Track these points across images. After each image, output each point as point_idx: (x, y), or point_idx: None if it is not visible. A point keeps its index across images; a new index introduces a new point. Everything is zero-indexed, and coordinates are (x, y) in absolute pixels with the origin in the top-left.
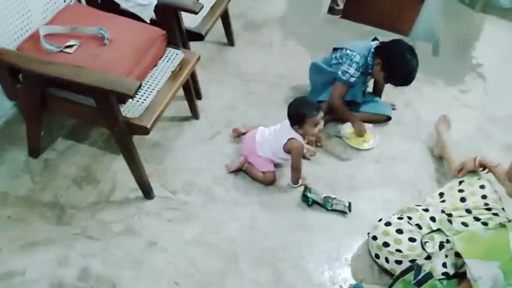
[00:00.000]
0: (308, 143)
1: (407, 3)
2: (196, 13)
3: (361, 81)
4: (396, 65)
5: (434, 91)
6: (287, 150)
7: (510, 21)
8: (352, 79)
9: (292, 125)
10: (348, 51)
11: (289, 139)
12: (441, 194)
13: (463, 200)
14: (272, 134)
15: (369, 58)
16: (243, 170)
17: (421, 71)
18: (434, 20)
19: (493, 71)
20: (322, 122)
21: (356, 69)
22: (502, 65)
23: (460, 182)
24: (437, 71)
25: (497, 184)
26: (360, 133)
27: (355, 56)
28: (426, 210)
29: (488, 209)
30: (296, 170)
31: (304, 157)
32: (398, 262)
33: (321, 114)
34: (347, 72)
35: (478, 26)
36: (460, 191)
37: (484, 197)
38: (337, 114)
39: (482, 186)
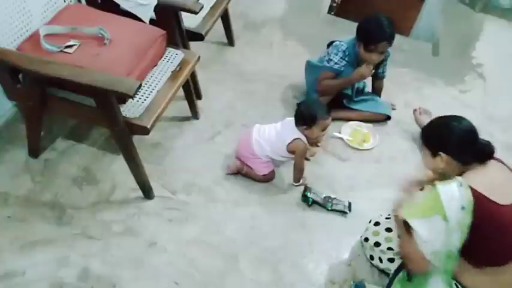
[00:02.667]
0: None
1: (407, 3)
2: (196, 13)
3: (350, 72)
4: (369, 26)
5: (434, 91)
6: (291, 150)
7: (510, 21)
8: (336, 66)
9: (299, 125)
10: (337, 42)
11: (295, 139)
12: None
13: None
14: (273, 132)
15: (355, 47)
16: (242, 174)
17: (421, 71)
18: (434, 20)
19: (493, 71)
20: (328, 129)
21: (341, 58)
22: (502, 65)
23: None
24: (437, 71)
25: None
26: (367, 72)
27: (342, 45)
28: None
29: None
30: (299, 171)
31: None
32: (391, 260)
33: (330, 119)
34: (331, 59)
35: (478, 26)
36: None
37: None
38: (335, 89)
39: None
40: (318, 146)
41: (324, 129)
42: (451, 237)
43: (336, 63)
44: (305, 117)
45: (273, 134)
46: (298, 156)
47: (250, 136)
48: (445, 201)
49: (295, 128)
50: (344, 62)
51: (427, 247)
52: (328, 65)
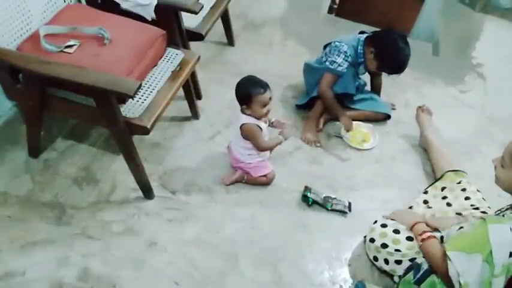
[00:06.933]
0: (308, 143)
1: (407, 3)
2: (196, 13)
3: (351, 72)
4: (389, 53)
5: (434, 91)
6: (246, 138)
7: (510, 21)
8: (340, 68)
9: (241, 107)
10: (336, 43)
11: (241, 126)
12: (426, 202)
13: (448, 205)
14: (234, 132)
15: (359, 48)
16: (243, 183)
17: (421, 71)
18: (434, 20)
19: (493, 71)
20: (270, 103)
21: (344, 59)
22: (502, 65)
23: (443, 189)
24: (437, 71)
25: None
26: (347, 127)
27: (343, 46)
28: None
29: (476, 208)
30: (268, 148)
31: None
32: (398, 262)
33: (269, 93)
34: (334, 61)
35: (478, 26)
36: (444, 197)
37: (467, 198)
38: (325, 105)
39: (463, 190)
40: (318, 146)
41: (264, 106)
42: (493, 284)
43: (339, 65)
44: (241, 96)
45: (234, 133)
46: (253, 139)
47: (230, 145)
48: (495, 244)
49: (241, 115)
50: (346, 64)
51: (457, 277)
52: (331, 67)
